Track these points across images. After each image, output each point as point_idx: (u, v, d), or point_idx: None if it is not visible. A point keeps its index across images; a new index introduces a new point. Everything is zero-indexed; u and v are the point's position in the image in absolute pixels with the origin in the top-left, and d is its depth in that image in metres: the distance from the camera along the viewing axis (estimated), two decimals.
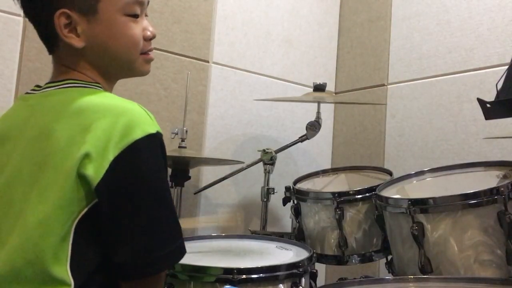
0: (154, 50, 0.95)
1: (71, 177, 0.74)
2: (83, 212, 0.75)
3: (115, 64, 0.90)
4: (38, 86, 0.90)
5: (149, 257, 0.76)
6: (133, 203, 0.76)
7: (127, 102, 0.81)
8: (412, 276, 1.10)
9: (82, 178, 0.74)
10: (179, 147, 1.67)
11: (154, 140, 0.79)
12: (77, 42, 0.85)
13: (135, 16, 0.89)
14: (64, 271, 0.73)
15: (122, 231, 0.76)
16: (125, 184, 0.76)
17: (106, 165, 0.74)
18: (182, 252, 0.82)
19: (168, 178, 1.67)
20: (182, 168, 1.69)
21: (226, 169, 1.83)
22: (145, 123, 0.79)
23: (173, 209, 0.82)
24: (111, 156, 0.74)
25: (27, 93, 0.91)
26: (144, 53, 0.92)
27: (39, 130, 0.80)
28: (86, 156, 0.74)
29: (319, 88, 1.80)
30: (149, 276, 0.78)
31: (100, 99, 0.82)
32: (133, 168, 0.76)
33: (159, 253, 0.77)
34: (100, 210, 0.75)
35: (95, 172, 0.74)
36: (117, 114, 0.77)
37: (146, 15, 0.93)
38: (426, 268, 1.16)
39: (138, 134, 0.76)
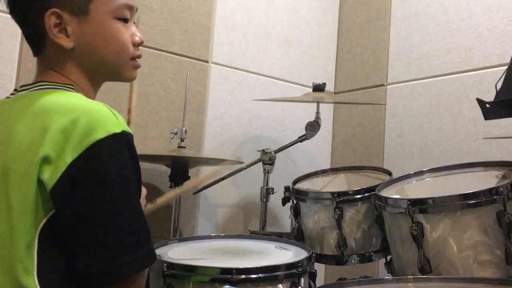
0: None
1: (32, 182, 0.70)
2: (44, 220, 0.72)
3: (103, 66, 0.88)
4: (16, 90, 0.88)
5: (111, 264, 0.72)
6: (90, 209, 0.72)
7: (93, 103, 0.77)
8: (411, 276, 1.10)
9: (40, 183, 0.71)
10: (179, 147, 1.67)
11: (118, 140, 0.74)
12: (67, 43, 0.83)
13: (125, 20, 0.88)
14: (31, 281, 0.70)
15: (82, 239, 0.72)
16: (83, 188, 0.71)
17: (62, 168, 0.70)
18: (151, 259, 0.78)
19: (168, 178, 1.68)
20: (182, 168, 1.69)
21: (226, 169, 1.83)
22: (109, 123, 0.74)
23: (139, 214, 0.77)
24: (68, 159, 0.70)
25: (7, 97, 0.88)
26: (133, 58, 0.91)
27: (4, 134, 0.77)
28: (45, 159, 0.70)
29: (318, 88, 1.80)
30: (116, 282, 0.74)
31: (65, 99, 0.78)
32: (93, 171, 0.72)
33: (122, 260, 0.73)
34: (58, 217, 0.72)
35: (50, 176, 0.70)
36: (79, 114, 0.73)
37: (134, 22, 0.92)
38: (425, 268, 1.16)
39: (100, 134, 0.72)
